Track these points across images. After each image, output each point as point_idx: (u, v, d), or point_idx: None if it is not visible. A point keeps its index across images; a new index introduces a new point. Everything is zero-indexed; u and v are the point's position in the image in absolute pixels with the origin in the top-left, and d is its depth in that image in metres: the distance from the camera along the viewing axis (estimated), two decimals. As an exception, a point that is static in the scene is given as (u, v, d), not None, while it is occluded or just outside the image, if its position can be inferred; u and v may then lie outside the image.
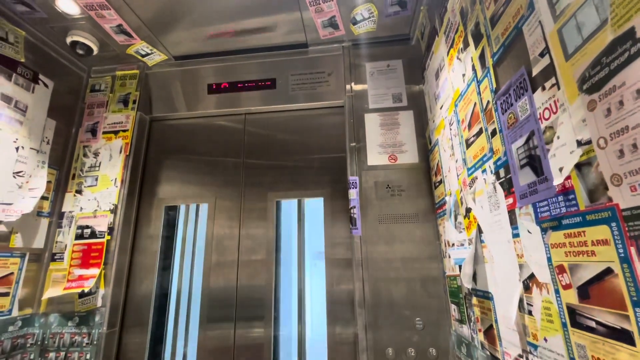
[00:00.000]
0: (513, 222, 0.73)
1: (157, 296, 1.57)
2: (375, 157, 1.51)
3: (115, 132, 1.69)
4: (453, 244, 1.11)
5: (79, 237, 1.55)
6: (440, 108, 1.23)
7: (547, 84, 0.58)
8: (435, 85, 1.28)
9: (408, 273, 1.35)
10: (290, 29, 1.59)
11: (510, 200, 0.74)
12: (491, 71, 0.80)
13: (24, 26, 1.48)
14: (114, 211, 1.56)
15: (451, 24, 1.07)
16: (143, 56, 1.72)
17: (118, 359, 1.49)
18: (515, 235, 0.72)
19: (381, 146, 1.52)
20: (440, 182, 1.29)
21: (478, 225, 0.93)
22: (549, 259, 0.60)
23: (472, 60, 0.91)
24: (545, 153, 0.60)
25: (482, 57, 0.85)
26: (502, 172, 0.78)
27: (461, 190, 1.06)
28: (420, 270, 1.35)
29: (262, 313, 1.48)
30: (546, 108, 0.59)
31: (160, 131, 1.82)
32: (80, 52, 1.58)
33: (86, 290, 1.44)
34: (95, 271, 1.48)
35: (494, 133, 0.80)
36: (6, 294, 1.35)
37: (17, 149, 1.41)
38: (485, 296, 0.91)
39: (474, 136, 0.93)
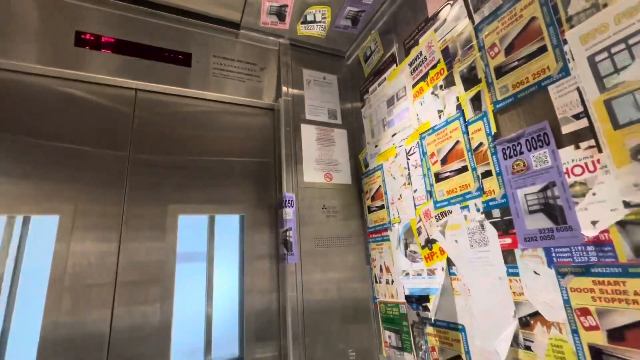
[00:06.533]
0: (509, 261, 0.79)
1: None
2: (312, 173, 1.37)
3: None
4: (407, 273, 1.12)
5: None
6: (393, 136, 1.25)
7: (583, 145, 0.65)
8: (387, 112, 1.29)
9: (343, 302, 1.27)
10: (228, 0, 1.26)
11: (508, 240, 0.79)
12: (490, 116, 0.85)
13: None
14: None
15: (424, 58, 1.10)
16: None
17: None
18: (513, 274, 0.78)
19: (318, 162, 1.40)
20: (382, 207, 1.29)
21: (448, 258, 0.96)
22: (567, 301, 0.66)
23: (457, 100, 0.96)
24: (570, 204, 0.66)
25: (476, 100, 0.90)
26: (495, 213, 0.83)
27: (420, 220, 1.08)
28: (353, 295, 1.30)
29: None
30: (577, 165, 0.66)
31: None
32: None
33: None
34: None
35: (487, 174, 0.85)
36: None
37: None
38: (451, 327, 0.94)
39: (451, 172, 0.97)
